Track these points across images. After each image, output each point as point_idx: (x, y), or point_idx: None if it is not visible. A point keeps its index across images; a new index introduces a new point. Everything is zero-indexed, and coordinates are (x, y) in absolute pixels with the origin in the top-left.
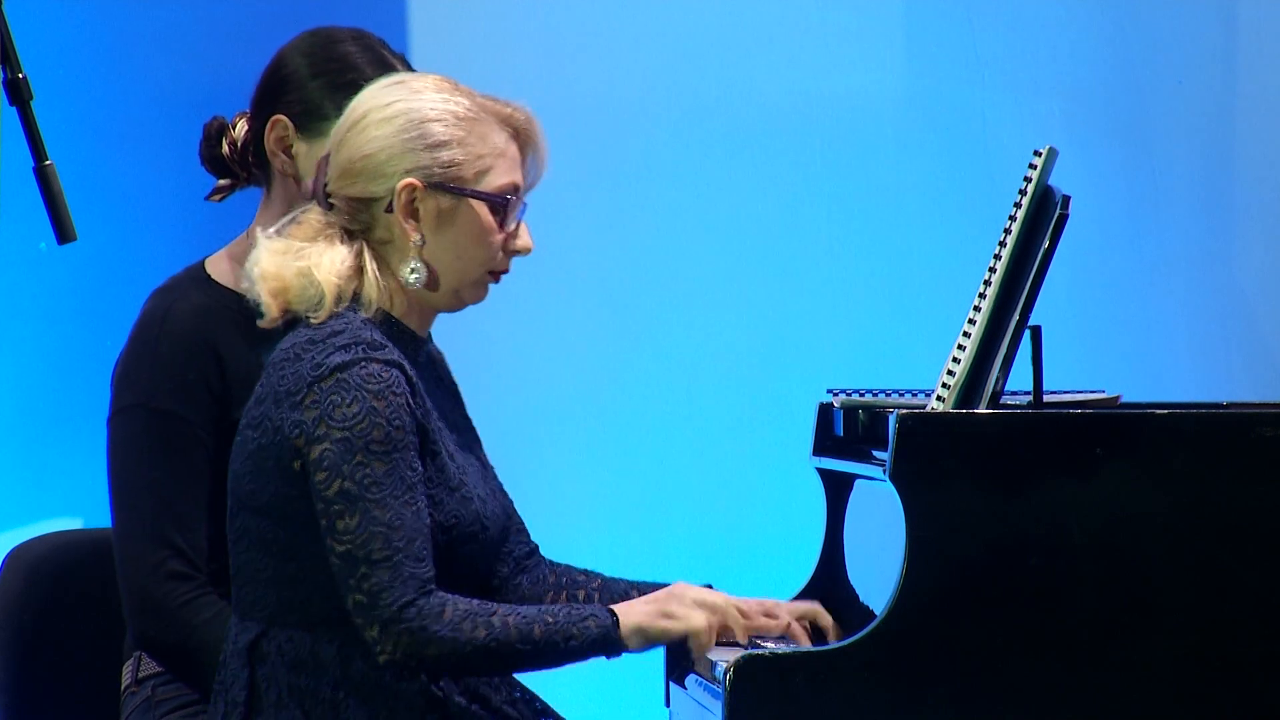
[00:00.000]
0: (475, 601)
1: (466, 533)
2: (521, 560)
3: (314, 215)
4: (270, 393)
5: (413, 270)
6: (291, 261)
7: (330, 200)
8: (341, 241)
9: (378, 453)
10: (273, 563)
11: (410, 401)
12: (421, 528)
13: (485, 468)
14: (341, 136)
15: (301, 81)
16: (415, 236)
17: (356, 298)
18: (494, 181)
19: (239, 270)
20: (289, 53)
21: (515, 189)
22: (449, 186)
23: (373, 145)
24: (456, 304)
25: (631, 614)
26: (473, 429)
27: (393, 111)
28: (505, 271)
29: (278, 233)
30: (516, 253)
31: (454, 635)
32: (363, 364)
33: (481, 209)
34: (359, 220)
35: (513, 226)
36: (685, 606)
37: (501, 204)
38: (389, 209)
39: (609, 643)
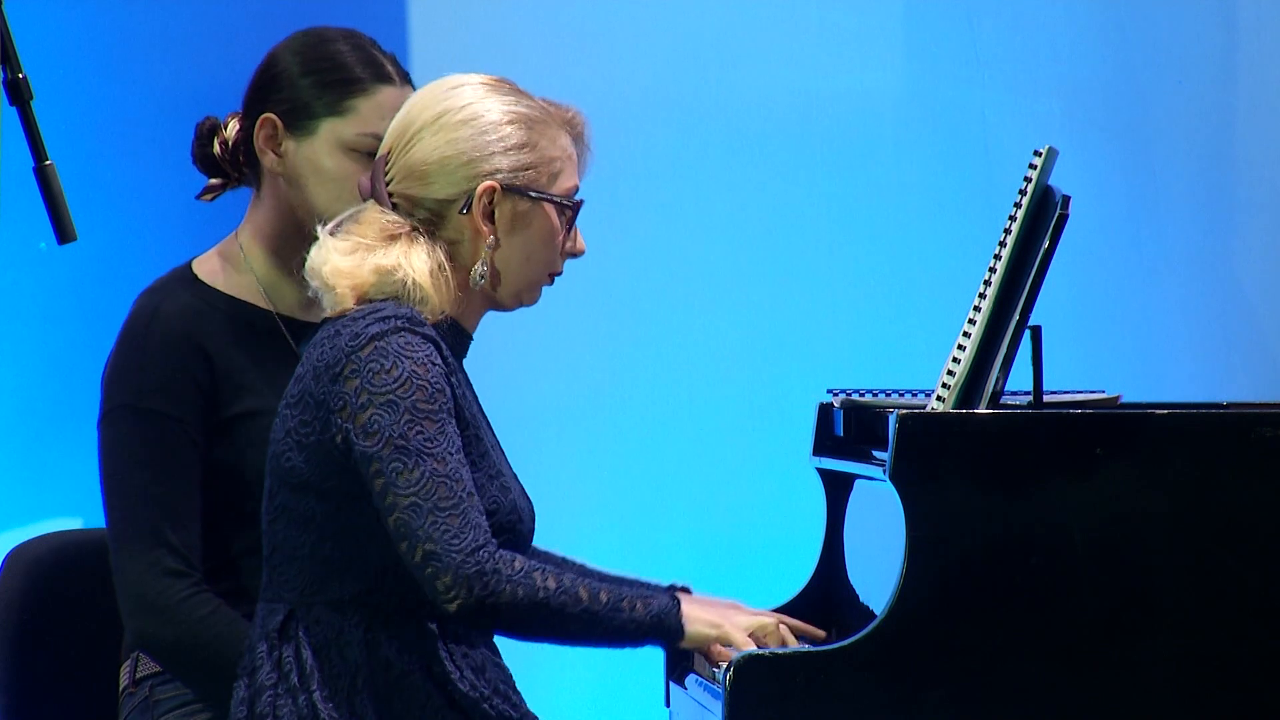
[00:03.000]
0: (541, 561)
1: (505, 521)
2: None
3: (375, 214)
4: (310, 369)
5: (481, 273)
6: (367, 258)
7: (393, 199)
8: (419, 241)
9: (426, 412)
10: (310, 539)
11: (447, 374)
12: (474, 487)
13: (513, 471)
14: (410, 137)
15: (291, 80)
16: (490, 239)
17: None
18: (563, 184)
19: (228, 269)
20: (280, 52)
21: (576, 191)
22: (526, 190)
23: (450, 148)
24: (514, 305)
25: (692, 606)
26: (495, 435)
27: (469, 114)
28: (560, 274)
29: (336, 231)
30: (573, 255)
31: (527, 581)
32: (400, 333)
33: (552, 212)
34: (427, 220)
35: (572, 228)
36: (737, 629)
37: (572, 207)
38: (463, 210)
39: (667, 623)
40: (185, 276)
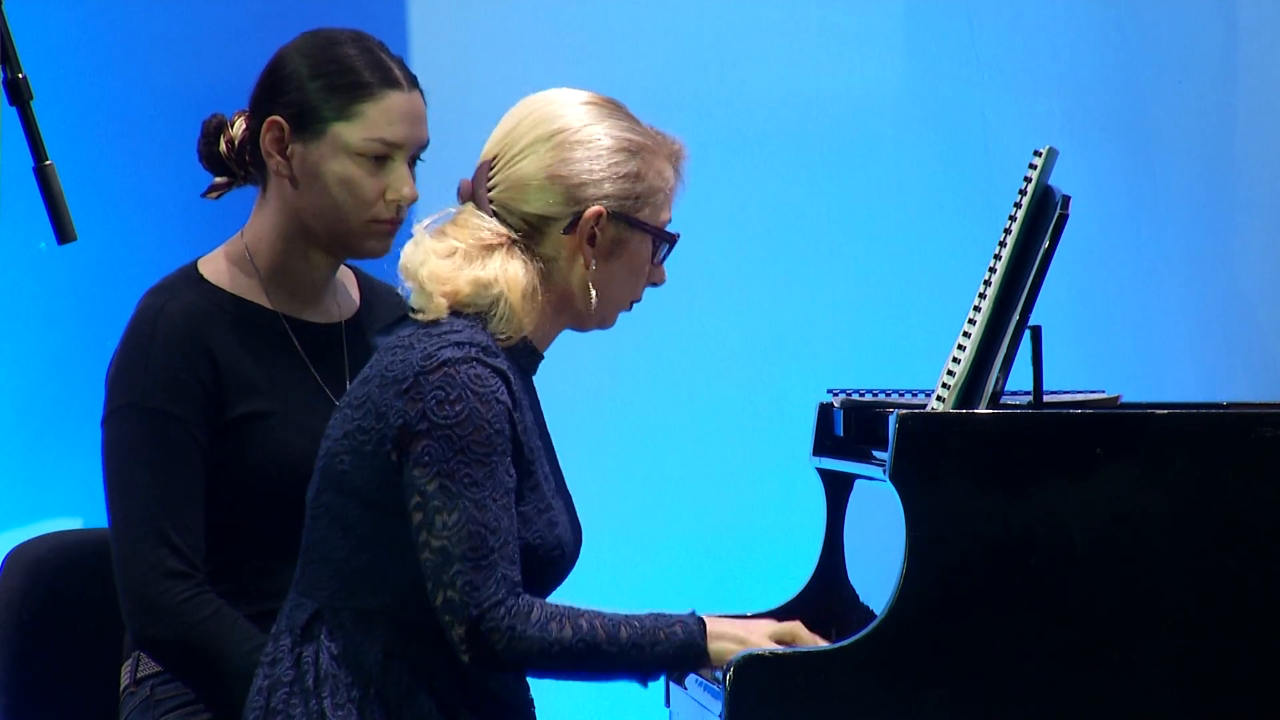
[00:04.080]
0: (562, 604)
1: (547, 556)
2: None
3: (474, 218)
4: (378, 375)
5: (594, 298)
6: (464, 267)
7: (493, 206)
8: (517, 256)
9: (478, 454)
10: (348, 545)
11: (511, 412)
12: (514, 532)
13: (568, 495)
14: (522, 149)
15: (299, 83)
16: (592, 264)
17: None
18: (663, 216)
19: (233, 270)
20: (287, 54)
21: (669, 223)
22: (630, 219)
23: (564, 167)
24: (593, 328)
25: (716, 625)
26: (555, 453)
27: (585, 136)
28: (639, 301)
29: (432, 230)
30: (654, 284)
31: (541, 635)
32: (472, 364)
33: (647, 243)
34: (525, 233)
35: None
36: (764, 640)
37: (669, 239)
38: (566, 230)
39: (693, 650)
40: (190, 276)
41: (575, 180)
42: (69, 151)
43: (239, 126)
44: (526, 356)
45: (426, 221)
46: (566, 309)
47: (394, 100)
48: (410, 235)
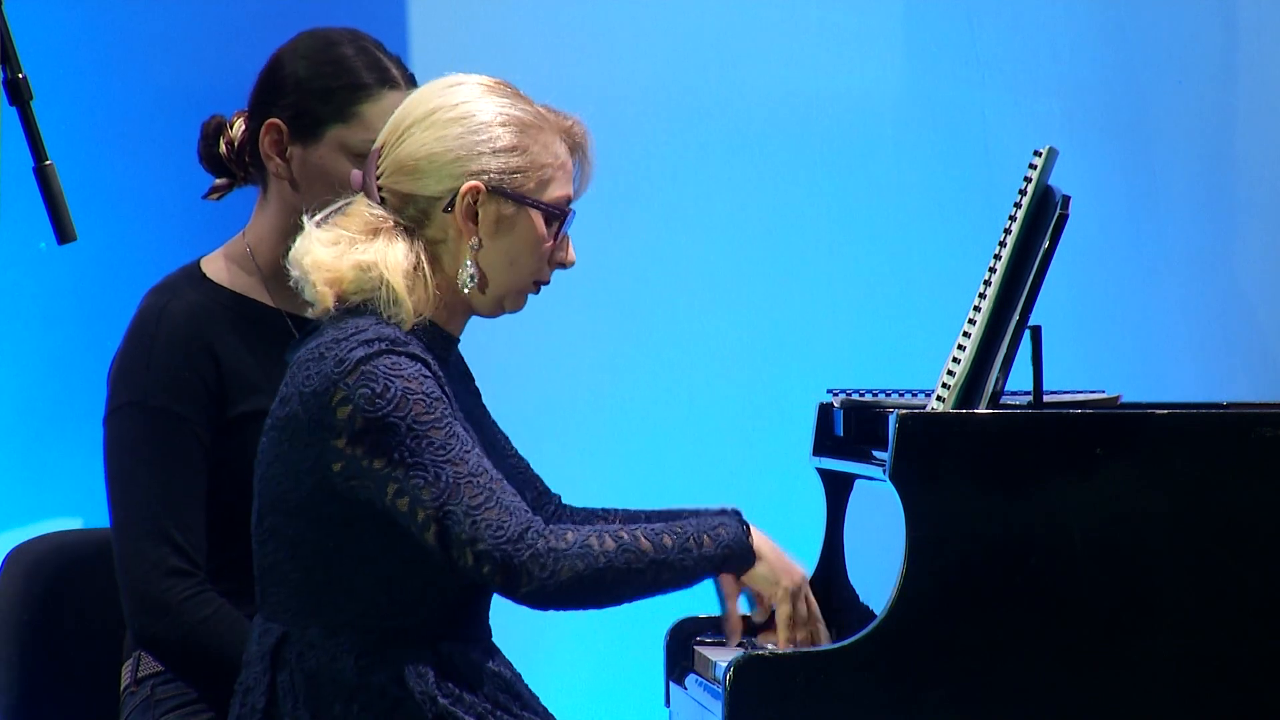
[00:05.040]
0: (588, 525)
1: None
2: (549, 520)
3: (363, 207)
4: (295, 393)
5: (470, 275)
6: (347, 252)
7: (382, 194)
8: (399, 238)
9: (428, 423)
10: (300, 565)
11: (440, 385)
12: (498, 474)
13: (506, 458)
14: (402, 131)
15: (297, 85)
16: (473, 240)
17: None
18: (553, 192)
19: (235, 269)
20: (285, 55)
21: (568, 201)
22: (512, 193)
23: (439, 145)
24: (497, 311)
25: (759, 537)
26: (493, 422)
27: (461, 112)
28: (546, 283)
29: (323, 222)
30: (561, 265)
31: (584, 550)
32: (385, 355)
33: (538, 219)
34: (412, 217)
35: (561, 238)
36: (791, 565)
37: (559, 215)
38: (447, 209)
39: (740, 547)
40: (193, 275)
41: (450, 156)
42: (69, 151)
43: (238, 128)
44: (439, 343)
45: (318, 216)
46: (462, 293)
47: (391, 100)
48: None
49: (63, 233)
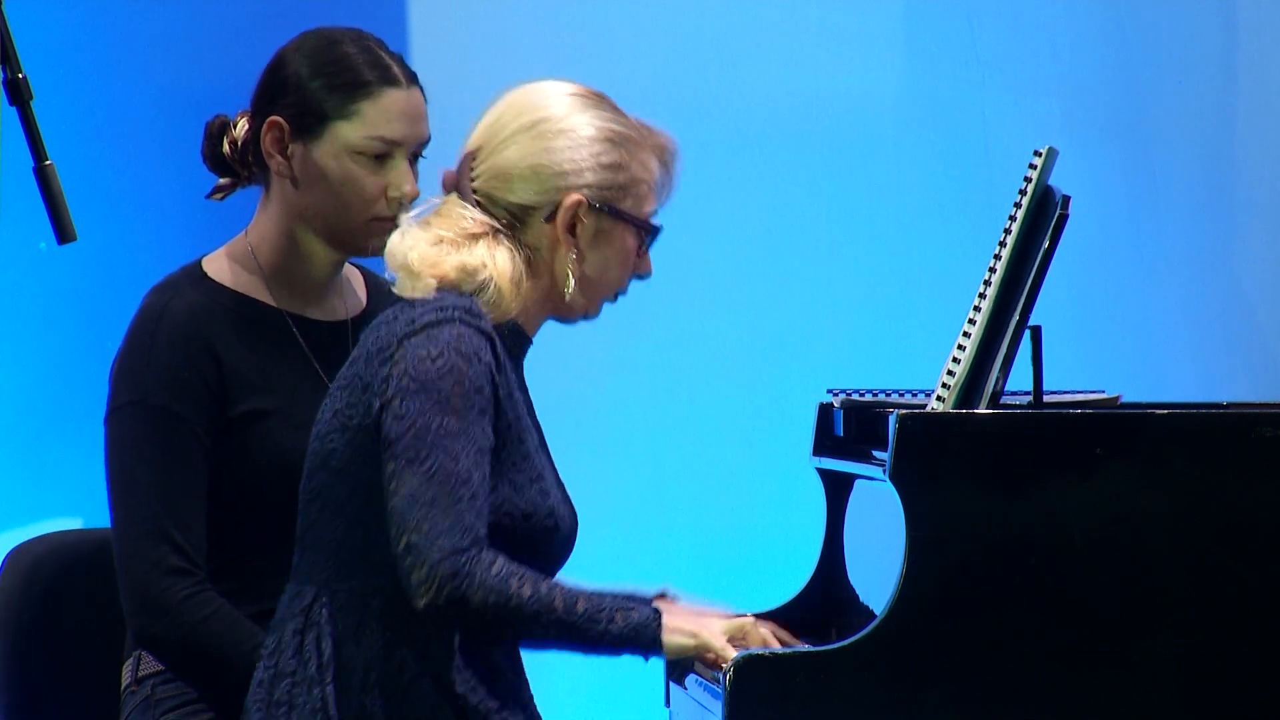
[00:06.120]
0: (526, 568)
1: (541, 526)
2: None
3: (458, 208)
4: (363, 353)
5: (573, 285)
6: (451, 253)
7: (477, 196)
8: (502, 243)
9: (456, 407)
10: (340, 525)
11: (494, 374)
12: (485, 491)
13: (562, 483)
14: (504, 139)
15: (300, 83)
16: (572, 251)
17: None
18: (645, 208)
19: (237, 268)
20: (287, 54)
21: (654, 215)
22: (611, 209)
23: (545, 156)
24: (577, 318)
25: (672, 615)
26: (544, 439)
27: (567, 125)
28: (625, 293)
29: (418, 221)
30: (639, 276)
31: (500, 587)
32: (455, 324)
33: (631, 234)
34: (508, 223)
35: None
36: (714, 635)
37: (650, 231)
38: (547, 219)
39: (646, 636)
40: (194, 274)
41: (556, 169)
42: (69, 151)
43: (241, 127)
44: (514, 339)
45: (414, 212)
46: (551, 298)
47: (393, 98)
48: None
49: (63, 233)
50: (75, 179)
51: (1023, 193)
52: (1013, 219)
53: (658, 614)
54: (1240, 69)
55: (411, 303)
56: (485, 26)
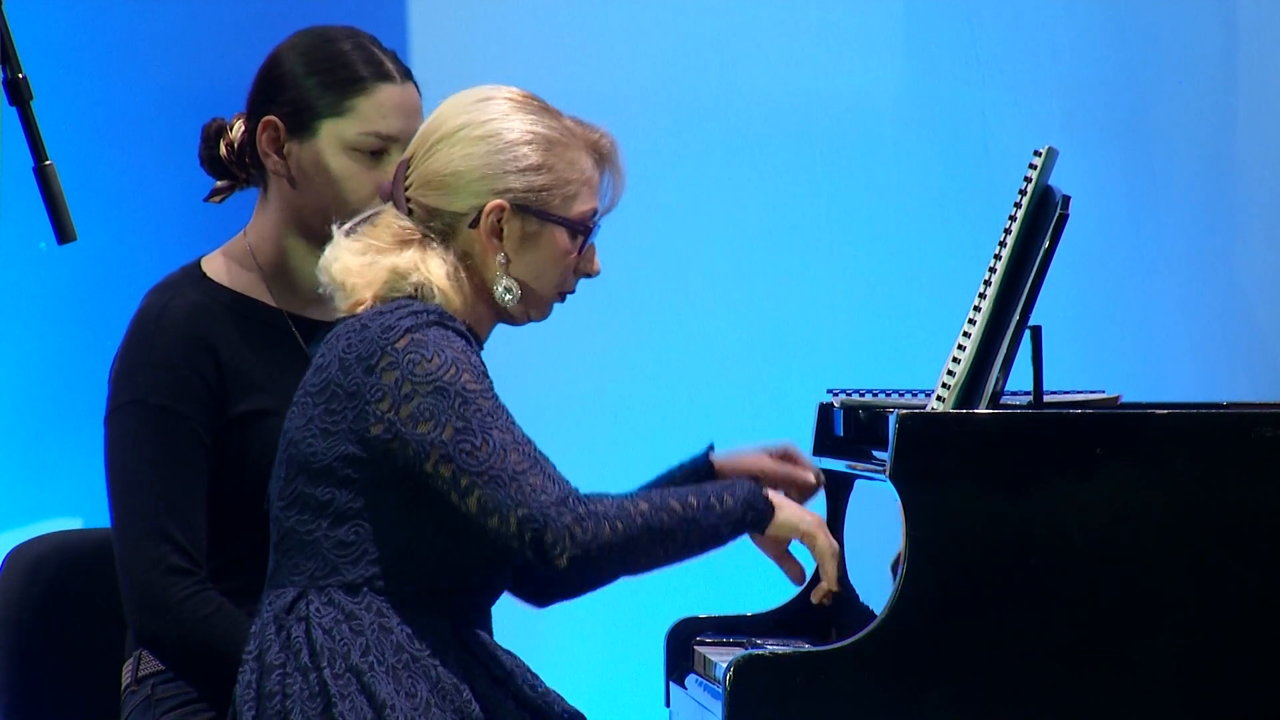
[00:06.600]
0: (613, 494)
1: None
2: None
3: (391, 218)
4: (334, 360)
5: (506, 289)
6: (378, 260)
7: (409, 205)
8: (431, 249)
9: (475, 391)
10: (323, 525)
11: (483, 365)
12: (538, 447)
13: None
14: (429, 146)
15: (295, 82)
16: (499, 255)
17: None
18: (578, 207)
19: (236, 268)
20: (282, 53)
21: (593, 214)
22: (536, 211)
23: (465, 162)
24: (524, 320)
25: (774, 493)
26: None
27: (488, 130)
28: (572, 292)
29: (351, 232)
30: (586, 275)
31: (622, 514)
32: (434, 326)
33: (562, 234)
34: (440, 230)
35: (586, 250)
36: (819, 526)
37: (583, 230)
38: (473, 225)
39: (757, 499)
40: (194, 274)
41: (477, 175)
42: (69, 151)
43: (238, 129)
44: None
45: (346, 225)
46: (491, 303)
47: (387, 93)
48: None
49: (63, 233)
50: (75, 179)
51: (1023, 193)
52: (1013, 219)
53: (758, 483)
54: (1240, 69)
55: (378, 310)
56: (485, 26)
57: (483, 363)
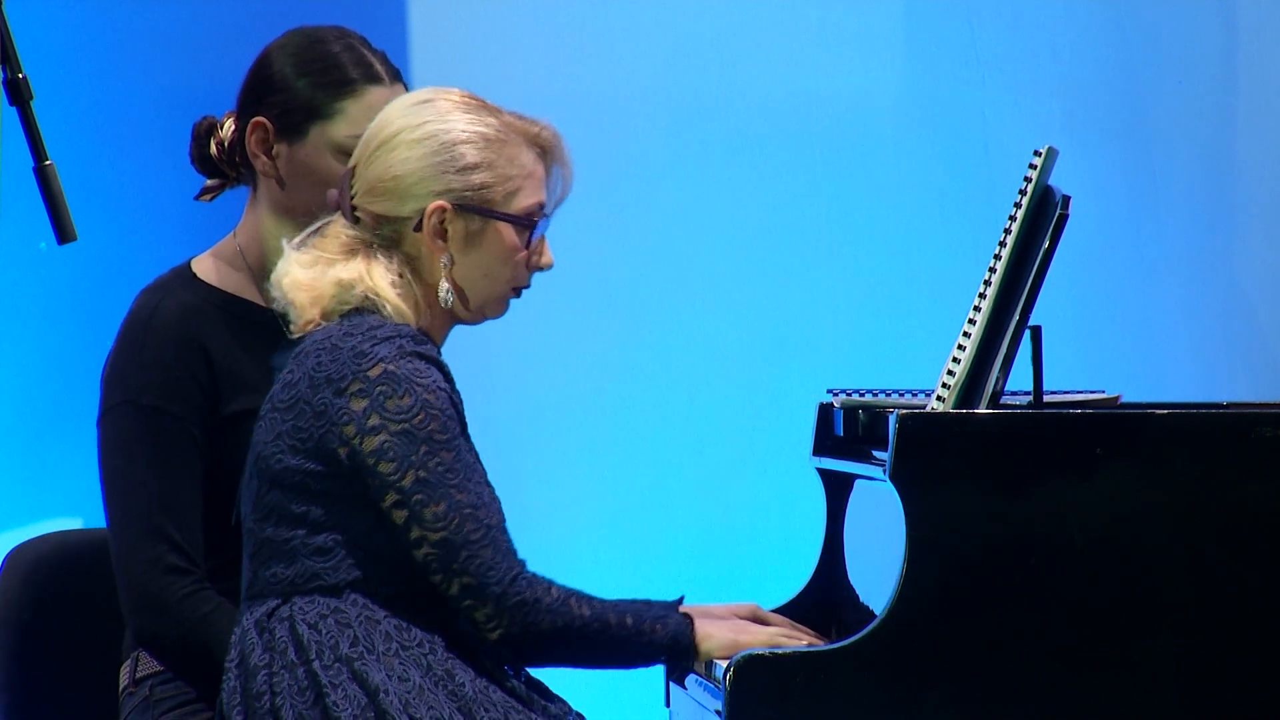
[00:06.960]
0: (567, 586)
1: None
2: None
3: (340, 228)
4: (304, 377)
5: (447, 290)
6: (326, 271)
7: (356, 213)
8: (378, 255)
9: (441, 442)
10: (301, 534)
11: (451, 396)
12: (499, 507)
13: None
14: (370, 153)
15: (284, 83)
16: (443, 257)
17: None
18: (521, 202)
19: (226, 268)
20: (272, 53)
21: (540, 207)
22: (478, 209)
23: (403, 166)
24: (479, 319)
25: (704, 623)
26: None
27: (424, 133)
28: (527, 287)
29: (301, 245)
30: (539, 269)
31: (564, 609)
32: (408, 358)
33: (508, 230)
34: (387, 236)
35: (536, 244)
36: (746, 629)
37: (528, 225)
38: (417, 228)
39: (684, 639)
40: (184, 275)
41: (414, 178)
42: (69, 151)
43: (228, 128)
44: None
45: (296, 239)
46: (441, 304)
47: (375, 95)
48: None
49: (63, 233)
50: (75, 179)
51: (1023, 193)
52: (1013, 219)
53: (689, 621)
54: (1240, 69)
55: (348, 330)
56: (485, 26)
57: (454, 400)
